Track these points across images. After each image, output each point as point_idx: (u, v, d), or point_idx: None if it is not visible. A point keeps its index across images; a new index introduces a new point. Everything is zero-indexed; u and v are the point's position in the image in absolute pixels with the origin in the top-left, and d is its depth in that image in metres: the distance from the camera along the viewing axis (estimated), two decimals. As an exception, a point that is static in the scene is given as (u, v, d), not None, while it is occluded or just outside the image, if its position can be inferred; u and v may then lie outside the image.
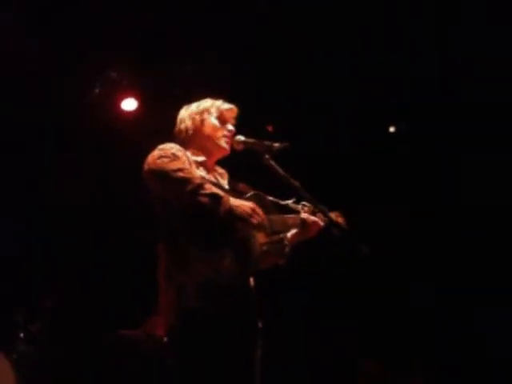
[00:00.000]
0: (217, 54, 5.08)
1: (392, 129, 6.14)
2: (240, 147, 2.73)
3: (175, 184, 2.43)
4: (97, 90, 5.43)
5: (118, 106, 5.56)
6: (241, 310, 2.52)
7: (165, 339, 3.08)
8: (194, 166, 2.61)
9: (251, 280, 2.66)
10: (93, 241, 5.66)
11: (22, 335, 4.73)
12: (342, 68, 5.31)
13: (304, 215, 2.81)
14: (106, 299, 5.51)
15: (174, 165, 2.46)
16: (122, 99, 5.53)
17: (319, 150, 5.74)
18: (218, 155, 2.79)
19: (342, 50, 5.16)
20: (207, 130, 2.73)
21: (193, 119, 2.74)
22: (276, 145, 2.69)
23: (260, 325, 2.62)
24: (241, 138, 2.74)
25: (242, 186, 2.78)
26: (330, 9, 4.79)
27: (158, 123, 5.24)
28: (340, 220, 2.89)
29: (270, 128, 5.61)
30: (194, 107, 2.78)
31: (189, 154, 2.66)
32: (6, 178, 5.30)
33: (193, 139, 2.74)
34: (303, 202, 2.84)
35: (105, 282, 5.57)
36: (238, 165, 2.85)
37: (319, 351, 5.77)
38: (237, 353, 2.49)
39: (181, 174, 2.43)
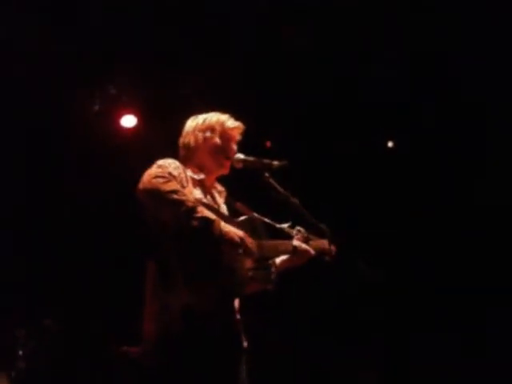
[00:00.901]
0: (216, 71, 5.11)
1: (390, 144, 6.16)
2: (239, 165, 2.73)
3: (168, 206, 2.43)
4: (96, 107, 5.45)
5: (118, 123, 5.58)
6: (224, 332, 2.52)
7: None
8: (190, 184, 2.61)
9: (236, 302, 2.66)
10: (95, 256, 5.64)
11: (20, 352, 4.71)
12: (340, 81, 5.35)
13: (296, 242, 2.80)
14: (107, 315, 5.49)
15: (169, 186, 2.45)
16: (122, 116, 5.56)
17: (318, 166, 5.78)
18: (217, 174, 2.79)
19: (339, 63, 5.20)
20: (208, 149, 2.72)
21: (196, 136, 2.73)
22: (275, 163, 2.71)
23: (245, 345, 2.62)
24: (240, 156, 2.74)
25: (239, 204, 2.78)
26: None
27: (157, 140, 5.27)
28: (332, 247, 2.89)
29: (267, 144, 5.64)
30: (199, 121, 2.76)
31: (188, 171, 2.66)
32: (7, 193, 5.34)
33: (194, 156, 2.73)
34: (298, 228, 2.84)
35: (107, 299, 5.55)
36: (238, 182, 2.85)
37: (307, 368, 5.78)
38: (220, 373, 2.49)
39: (174, 196, 2.42)
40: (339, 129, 5.74)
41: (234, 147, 2.76)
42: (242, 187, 2.87)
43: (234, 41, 4.97)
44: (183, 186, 2.54)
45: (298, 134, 5.69)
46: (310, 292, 5.80)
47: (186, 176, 2.61)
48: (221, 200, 2.79)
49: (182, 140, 2.78)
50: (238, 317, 2.65)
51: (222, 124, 2.75)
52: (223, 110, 2.83)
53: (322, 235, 2.87)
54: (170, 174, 2.51)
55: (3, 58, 4.76)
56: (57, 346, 5.04)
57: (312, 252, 2.82)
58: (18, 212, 5.45)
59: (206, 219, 2.44)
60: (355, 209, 5.84)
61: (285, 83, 5.28)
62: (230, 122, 2.77)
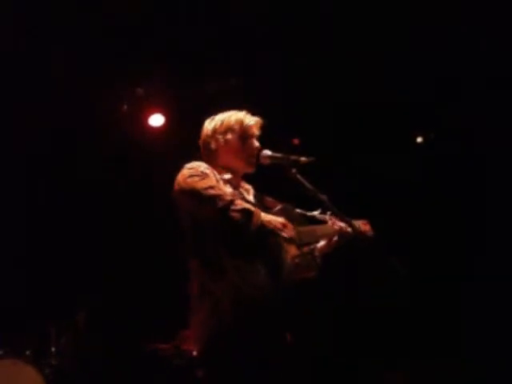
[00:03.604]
0: (242, 70, 5.12)
1: (420, 139, 6.10)
2: (267, 162, 2.75)
3: (207, 202, 2.49)
4: (125, 106, 5.51)
5: (146, 122, 5.63)
6: (271, 323, 2.54)
7: (194, 353, 3.11)
8: (221, 183, 2.65)
9: (282, 293, 2.67)
10: (126, 254, 5.70)
11: (53, 349, 4.77)
12: (368, 78, 5.31)
13: (340, 223, 2.79)
14: (139, 313, 5.54)
15: (205, 183, 2.51)
16: (150, 115, 5.60)
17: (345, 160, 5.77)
18: (243, 173, 2.82)
19: (366, 60, 5.17)
20: (231, 150, 2.75)
21: (216, 139, 2.76)
22: (302, 159, 2.72)
23: (288, 337, 2.63)
24: (267, 152, 2.75)
25: (268, 200, 2.81)
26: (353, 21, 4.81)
27: (185, 139, 5.29)
28: (367, 228, 2.93)
29: (295, 141, 5.63)
30: (218, 123, 2.78)
31: (215, 172, 2.69)
32: (35, 191, 5.42)
33: (217, 158, 2.77)
34: (329, 212, 2.84)
35: (138, 296, 5.60)
36: (264, 178, 2.87)
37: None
38: (268, 365, 2.52)
39: (212, 192, 2.49)
40: (367, 125, 5.71)
41: (256, 143, 2.79)
42: (269, 184, 2.88)
43: (260, 39, 4.98)
44: None
45: (326, 130, 5.67)
46: (337, 290, 5.78)
47: (216, 175, 2.66)
48: (250, 197, 2.81)
49: (201, 143, 2.82)
50: (284, 307, 2.65)
51: (241, 123, 2.77)
52: (250, 109, 2.84)
53: None
54: (202, 172, 2.58)
55: (32, 59, 4.84)
56: (88, 342, 5.10)
57: (351, 232, 2.79)
58: (50, 210, 5.53)
59: (246, 210, 2.49)
60: (384, 206, 5.80)
61: (313, 81, 5.27)
62: (247, 119, 2.79)
